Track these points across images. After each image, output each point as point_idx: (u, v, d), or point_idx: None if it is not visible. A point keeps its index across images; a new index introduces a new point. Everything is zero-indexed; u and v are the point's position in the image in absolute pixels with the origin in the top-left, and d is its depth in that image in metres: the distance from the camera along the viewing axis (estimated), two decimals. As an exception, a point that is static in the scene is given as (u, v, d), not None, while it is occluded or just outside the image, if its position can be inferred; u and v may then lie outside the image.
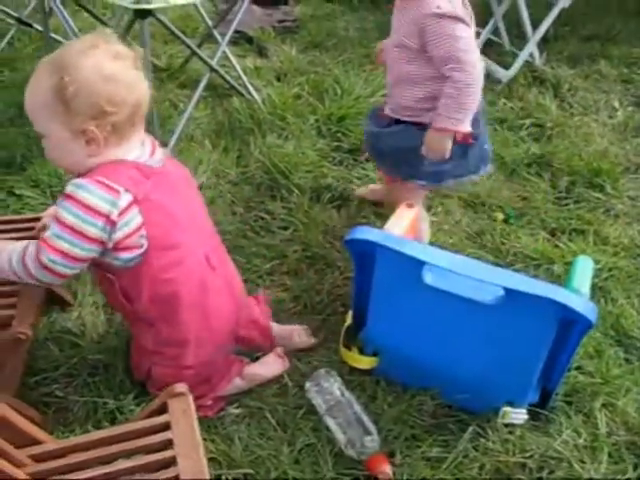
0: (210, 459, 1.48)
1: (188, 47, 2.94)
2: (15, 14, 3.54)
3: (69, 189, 1.39)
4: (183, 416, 1.26)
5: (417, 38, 1.89)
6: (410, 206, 1.92)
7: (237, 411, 1.69)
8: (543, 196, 2.52)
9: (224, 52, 2.96)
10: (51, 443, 1.30)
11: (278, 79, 3.31)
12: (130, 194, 1.40)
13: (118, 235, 1.41)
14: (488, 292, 1.49)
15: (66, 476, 1.20)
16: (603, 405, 1.72)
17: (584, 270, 1.74)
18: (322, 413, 1.66)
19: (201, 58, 2.90)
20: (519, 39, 3.62)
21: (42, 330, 1.84)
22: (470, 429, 1.64)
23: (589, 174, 2.62)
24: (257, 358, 1.80)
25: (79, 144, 1.40)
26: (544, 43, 3.57)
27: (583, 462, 1.59)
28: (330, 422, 1.64)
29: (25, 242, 1.45)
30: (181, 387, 1.30)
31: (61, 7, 2.96)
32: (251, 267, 2.12)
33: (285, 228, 2.31)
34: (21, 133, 2.60)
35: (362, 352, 1.77)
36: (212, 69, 2.85)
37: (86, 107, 1.35)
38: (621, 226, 2.40)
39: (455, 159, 1.98)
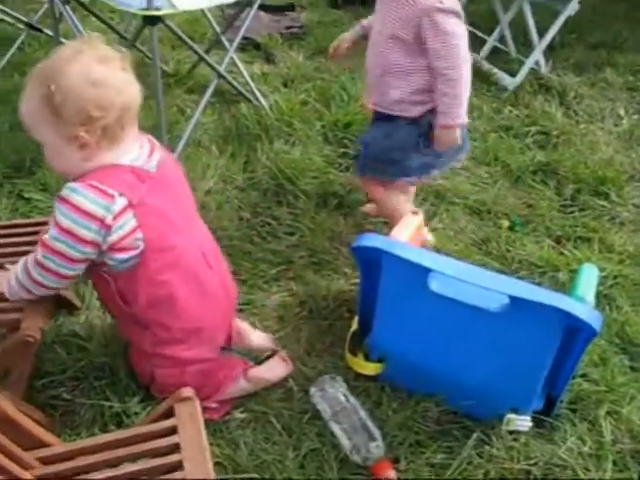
0: (215, 463, 1.47)
1: (196, 53, 2.96)
2: (25, 19, 3.57)
3: (64, 193, 1.41)
4: (190, 420, 1.26)
5: (412, 30, 1.89)
6: (415, 213, 1.94)
7: (242, 415, 1.69)
8: (548, 204, 2.52)
9: (232, 58, 2.97)
10: (58, 446, 1.30)
11: (285, 85, 3.32)
12: (125, 198, 1.42)
13: (113, 238, 1.43)
14: (493, 300, 1.50)
15: (73, 479, 1.21)
16: (608, 413, 1.72)
17: (589, 278, 1.75)
18: (327, 418, 1.66)
19: (209, 64, 2.92)
20: (525, 47, 3.63)
21: (49, 333, 1.84)
22: (475, 436, 1.64)
23: (594, 182, 2.62)
24: (261, 362, 1.81)
25: (72, 149, 1.42)
26: (550, 51, 3.58)
27: (588, 470, 1.59)
28: (335, 427, 1.64)
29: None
30: (188, 391, 1.31)
31: (70, 12, 2.98)
32: (257, 272, 2.13)
33: (291, 234, 2.31)
34: (30, 137, 2.62)
35: (367, 358, 1.78)
36: (220, 75, 2.87)
37: (74, 113, 1.37)
38: (626, 234, 2.40)
39: (432, 153, 2.05)
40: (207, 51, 3.24)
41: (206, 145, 2.79)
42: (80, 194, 1.39)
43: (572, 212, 2.49)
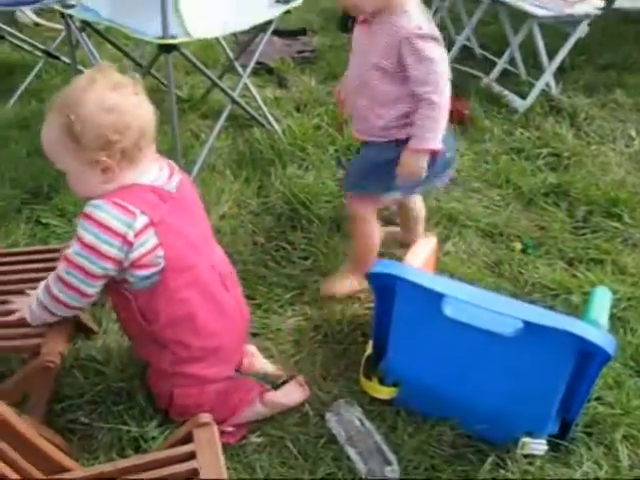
0: (232, 488, 1.50)
1: (210, 79, 3.00)
2: (43, 47, 3.64)
3: (87, 209, 1.46)
4: (208, 445, 1.28)
5: (394, 58, 1.89)
6: (429, 238, 1.96)
7: (259, 440, 1.71)
8: (560, 226, 2.53)
9: (245, 83, 3.01)
10: (78, 470, 1.32)
11: (298, 110, 3.36)
12: (146, 216, 1.47)
13: (135, 254, 1.47)
14: (507, 324, 1.51)
15: (94, 504, 1.22)
16: (624, 437, 1.72)
17: (602, 301, 1.75)
18: (343, 443, 1.67)
19: (223, 90, 2.96)
20: (535, 69, 3.66)
21: (68, 357, 1.86)
22: (490, 460, 1.64)
23: (606, 203, 2.63)
24: (278, 386, 1.82)
25: (95, 173, 1.47)
26: (560, 72, 3.60)
27: (604, 494, 1.59)
28: (351, 452, 1.65)
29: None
30: (206, 417, 1.32)
31: (87, 40, 3.04)
32: (273, 296, 2.15)
33: (306, 258, 2.33)
34: (48, 163, 2.65)
35: (382, 382, 1.78)
36: (233, 101, 2.90)
37: (94, 140, 1.43)
38: (639, 255, 2.40)
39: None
40: (220, 76, 3.29)
41: (220, 170, 2.82)
42: (103, 210, 1.45)
43: (584, 234, 2.50)
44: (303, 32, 4.41)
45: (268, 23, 2.85)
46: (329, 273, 2.24)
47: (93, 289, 1.50)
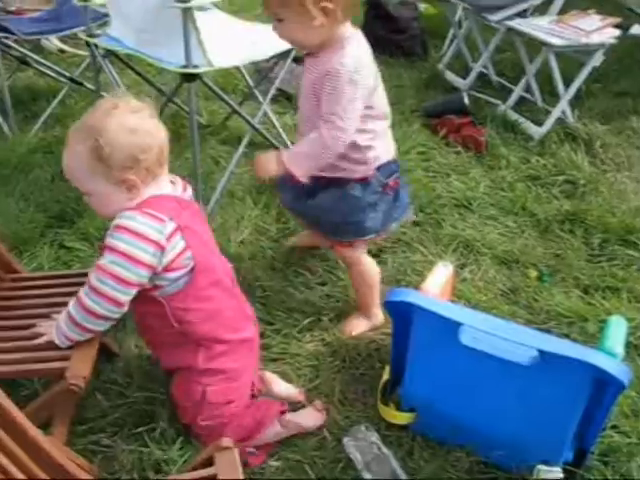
0: (252, 511, 1.53)
1: (230, 107, 3.06)
2: (67, 74, 3.72)
3: (119, 221, 1.54)
4: (230, 469, 1.30)
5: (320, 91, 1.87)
6: (446, 265, 1.99)
7: (277, 463, 1.73)
8: (576, 253, 2.54)
9: (264, 110, 3.06)
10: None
11: (317, 136, 3.39)
12: (173, 222, 1.56)
13: (167, 258, 1.57)
14: (522, 353, 1.53)
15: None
16: (640, 466, 1.72)
17: (617, 329, 1.76)
18: (360, 467, 1.70)
19: (243, 117, 3.01)
20: (551, 96, 3.68)
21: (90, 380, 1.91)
22: (505, 486, 1.65)
23: (622, 231, 2.64)
24: (295, 410, 1.85)
25: (121, 192, 1.57)
26: (576, 99, 3.61)
27: (620, 524, 1.59)
28: (368, 477, 1.67)
29: None
30: (227, 441, 1.35)
31: (110, 66, 3.11)
32: (292, 322, 2.17)
33: (323, 284, 2.36)
34: (71, 188, 2.71)
35: (399, 408, 1.81)
36: (253, 128, 2.96)
37: (122, 160, 1.54)
38: (655, 283, 2.40)
39: (387, 208, 2.05)
40: (240, 103, 3.35)
41: (240, 196, 2.86)
42: (134, 220, 1.53)
43: (600, 262, 2.50)
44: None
45: (288, 52, 2.90)
46: (346, 299, 2.27)
47: (127, 297, 1.56)
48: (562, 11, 3.75)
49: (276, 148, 3.13)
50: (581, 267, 2.47)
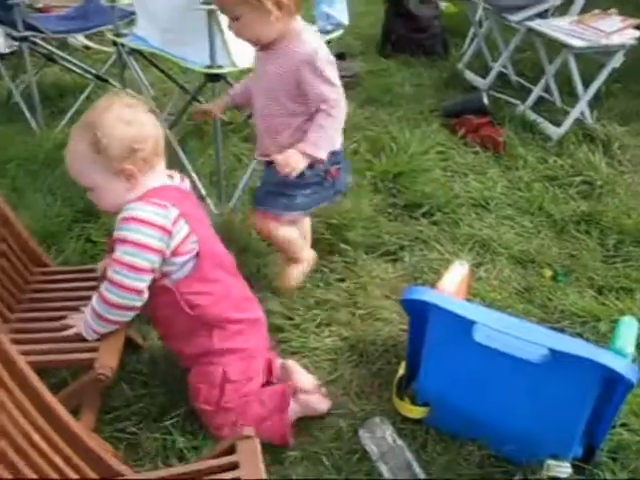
0: (270, 498, 1.58)
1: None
2: (93, 71, 3.80)
3: (125, 213, 1.63)
4: (251, 457, 1.35)
5: (292, 81, 2.04)
6: (462, 264, 2.04)
7: (295, 453, 1.78)
8: (591, 254, 2.56)
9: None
10: (129, 476, 1.43)
11: (336, 134, 3.44)
12: (176, 208, 1.64)
13: (175, 241, 1.65)
14: (534, 351, 1.58)
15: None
16: (649, 463, 1.74)
17: (629, 330, 1.80)
18: (375, 459, 1.74)
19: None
20: (570, 96, 3.68)
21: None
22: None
23: (638, 232, 2.66)
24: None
25: (120, 182, 1.66)
26: (595, 100, 3.62)
27: (627, 520, 1.62)
28: (382, 468, 1.72)
29: None
30: (249, 430, 1.40)
31: (135, 64, 3.18)
32: (310, 317, 2.22)
33: (342, 280, 2.41)
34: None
35: (414, 402, 1.85)
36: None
37: (119, 150, 1.63)
38: (669, 285, 2.41)
39: (321, 192, 2.21)
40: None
41: (262, 193, 2.91)
42: (139, 209, 1.62)
43: (615, 263, 2.52)
44: (342, 57, 4.49)
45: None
46: (364, 296, 2.32)
47: (143, 283, 1.63)
48: (583, 11, 3.76)
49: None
50: (596, 267, 2.49)
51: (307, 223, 2.45)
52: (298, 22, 2.06)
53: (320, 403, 1.89)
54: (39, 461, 1.18)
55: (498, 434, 1.71)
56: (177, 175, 1.80)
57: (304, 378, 1.93)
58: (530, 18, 3.66)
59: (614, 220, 2.74)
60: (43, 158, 3.17)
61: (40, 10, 4.51)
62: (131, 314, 1.68)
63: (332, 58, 2.08)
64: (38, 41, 3.49)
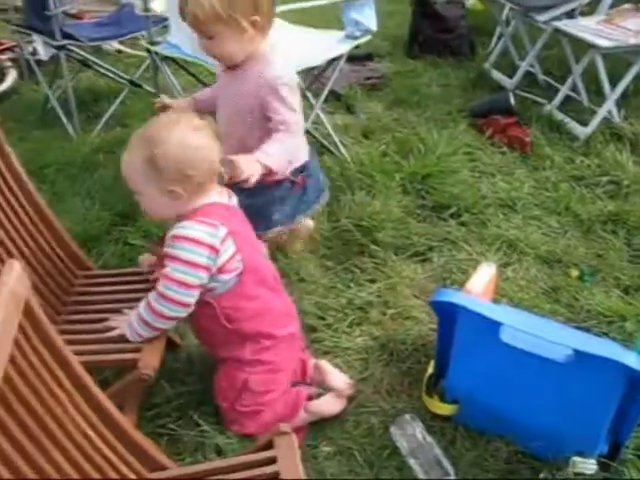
0: (306, 491, 1.64)
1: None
2: (127, 76, 3.89)
3: (176, 232, 1.69)
4: (288, 451, 1.42)
5: (257, 102, 2.06)
6: (489, 264, 2.09)
7: (329, 449, 1.84)
8: (618, 254, 2.57)
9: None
10: (175, 469, 1.51)
11: (365, 136, 3.48)
12: (225, 227, 1.70)
13: (221, 260, 1.70)
14: (559, 351, 1.62)
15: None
16: (674, 461, 1.76)
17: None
18: (405, 454, 1.80)
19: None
20: (597, 95, 3.66)
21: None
22: (542, 476, 1.73)
23: (665, 233, 2.67)
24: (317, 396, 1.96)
25: (166, 199, 1.71)
26: (622, 98, 3.59)
27: (652, 516, 1.65)
28: (413, 463, 1.78)
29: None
30: (286, 427, 1.47)
31: (167, 69, 3.26)
32: (342, 317, 2.28)
33: (372, 281, 2.45)
34: (134, 187, 2.88)
35: (443, 400, 1.90)
36: (306, 130, 3.06)
37: (173, 173, 1.67)
38: (695, 285, 2.42)
39: (295, 203, 2.26)
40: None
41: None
42: (190, 228, 1.68)
43: (641, 262, 2.54)
44: (370, 57, 4.53)
45: (340, 56, 3.02)
46: (394, 296, 2.37)
47: (192, 298, 1.71)
48: (614, 5, 3.74)
49: (326, 149, 3.26)
50: (622, 267, 2.50)
51: (308, 227, 2.53)
52: (267, 42, 2.08)
53: (333, 405, 1.94)
54: (97, 459, 1.26)
55: (525, 431, 1.76)
56: (225, 191, 1.82)
57: (336, 378, 1.99)
58: (557, 17, 3.65)
59: (641, 219, 2.74)
60: (81, 162, 3.26)
61: (74, 16, 4.61)
62: (175, 322, 1.77)
63: (295, 84, 2.12)
64: (73, 47, 3.57)
